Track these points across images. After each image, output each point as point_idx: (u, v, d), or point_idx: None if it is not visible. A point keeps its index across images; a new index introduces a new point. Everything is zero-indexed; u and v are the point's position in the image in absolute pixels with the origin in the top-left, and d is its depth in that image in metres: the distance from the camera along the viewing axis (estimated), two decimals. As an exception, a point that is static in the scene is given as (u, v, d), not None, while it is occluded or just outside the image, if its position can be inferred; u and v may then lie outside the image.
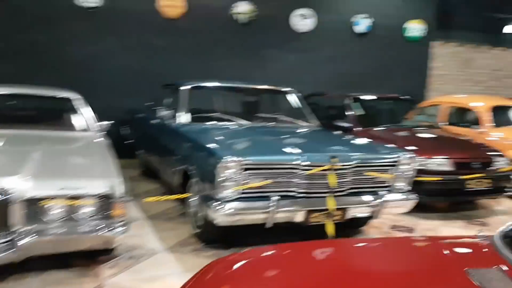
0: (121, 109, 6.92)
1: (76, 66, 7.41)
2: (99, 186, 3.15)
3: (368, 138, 5.12)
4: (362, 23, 9.45)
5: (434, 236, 2.11)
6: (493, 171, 5.49)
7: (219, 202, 3.62)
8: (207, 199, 3.76)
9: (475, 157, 5.58)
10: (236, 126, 4.99)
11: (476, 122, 7.14)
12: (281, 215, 3.74)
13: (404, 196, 4.24)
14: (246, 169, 3.64)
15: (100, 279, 3.34)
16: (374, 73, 9.27)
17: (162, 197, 3.97)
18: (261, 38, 8.66)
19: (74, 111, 4.92)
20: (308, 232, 4.20)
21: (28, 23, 7.27)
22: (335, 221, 3.86)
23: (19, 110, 5.19)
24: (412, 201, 4.29)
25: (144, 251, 3.92)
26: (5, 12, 7.23)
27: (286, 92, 5.75)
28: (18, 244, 2.95)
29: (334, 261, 1.96)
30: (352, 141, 4.84)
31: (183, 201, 4.41)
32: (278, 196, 3.71)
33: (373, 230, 4.82)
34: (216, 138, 4.33)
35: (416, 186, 4.46)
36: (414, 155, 4.34)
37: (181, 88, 5.29)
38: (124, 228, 3.22)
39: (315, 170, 3.72)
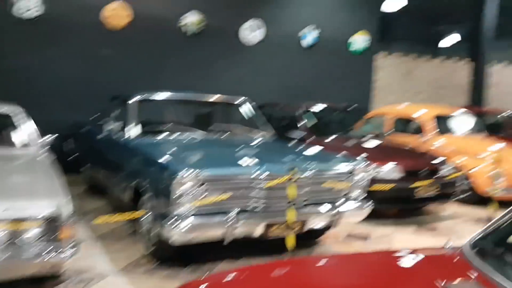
0: (65, 123, 6.57)
1: (17, 79, 7.02)
2: (44, 207, 2.89)
3: (322, 147, 5.15)
4: (309, 36, 9.63)
5: (401, 249, 2.07)
6: (440, 178, 5.69)
7: (174, 219, 3.46)
8: (161, 216, 3.58)
9: (423, 164, 5.77)
10: (190, 139, 4.83)
11: (420, 131, 7.43)
12: (240, 230, 3.64)
13: (360, 205, 4.27)
14: (203, 183, 3.51)
15: (46, 308, 3.07)
16: (321, 85, 9.44)
17: (114, 217, 3.73)
18: (210, 50, 8.58)
19: (14, 125, 4.57)
20: (266, 245, 4.14)
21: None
22: (295, 233, 3.80)
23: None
24: (368, 209, 4.33)
25: (94, 274, 3.67)
26: None
27: (240, 103, 5.67)
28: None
29: (296, 282, 1.87)
30: (307, 151, 4.83)
31: (133, 219, 4.19)
32: (236, 210, 3.61)
33: (329, 240, 4.82)
34: (170, 152, 4.16)
35: (368, 194, 4.52)
36: (369, 163, 4.40)
37: (130, 100, 5.08)
38: (73, 251, 2.97)
39: (275, 182, 3.65)
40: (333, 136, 6.60)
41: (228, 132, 5.34)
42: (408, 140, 7.23)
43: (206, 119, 5.91)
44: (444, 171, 5.79)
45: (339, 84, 9.66)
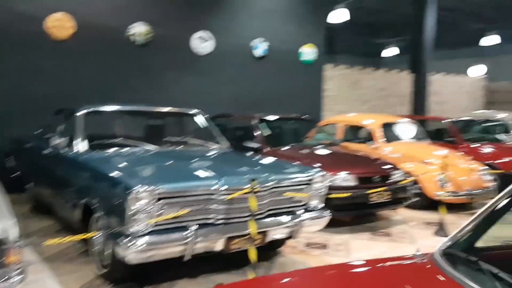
0: (5, 139, 6.15)
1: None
2: (-13, 231, 2.64)
3: (277, 157, 5.13)
4: (260, 47, 9.69)
5: (370, 260, 2.04)
6: (391, 184, 5.84)
7: (130, 238, 3.27)
8: (115, 235, 3.39)
9: (375, 171, 5.90)
10: (143, 152, 4.63)
11: (370, 139, 7.64)
12: (200, 245, 3.51)
13: (320, 213, 4.28)
14: (159, 199, 3.36)
15: None
16: (273, 95, 9.51)
17: (65, 238, 3.48)
18: (160, 60, 8.41)
19: None
20: (226, 259, 4.04)
21: None
22: (256, 246, 3.73)
23: None
24: (327, 217, 4.33)
25: (43, 300, 3.42)
26: None
27: (193, 114, 5.55)
28: None
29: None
30: (265, 162, 4.79)
31: (84, 238, 3.95)
32: (196, 225, 3.48)
33: (289, 250, 4.79)
34: (123, 166, 3.97)
35: (325, 202, 4.54)
36: (326, 172, 4.42)
37: (78, 112, 4.82)
38: (21, 276, 2.73)
39: (236, 194, 3.56)
40: (288, 146, 6.63)
41: (183, 145, 5.20)
42: (359, 148, 7.42)
43: (158, 132, 5.72)
44: (395, 176, 5.95)
45: (291, 94, 9.78)
